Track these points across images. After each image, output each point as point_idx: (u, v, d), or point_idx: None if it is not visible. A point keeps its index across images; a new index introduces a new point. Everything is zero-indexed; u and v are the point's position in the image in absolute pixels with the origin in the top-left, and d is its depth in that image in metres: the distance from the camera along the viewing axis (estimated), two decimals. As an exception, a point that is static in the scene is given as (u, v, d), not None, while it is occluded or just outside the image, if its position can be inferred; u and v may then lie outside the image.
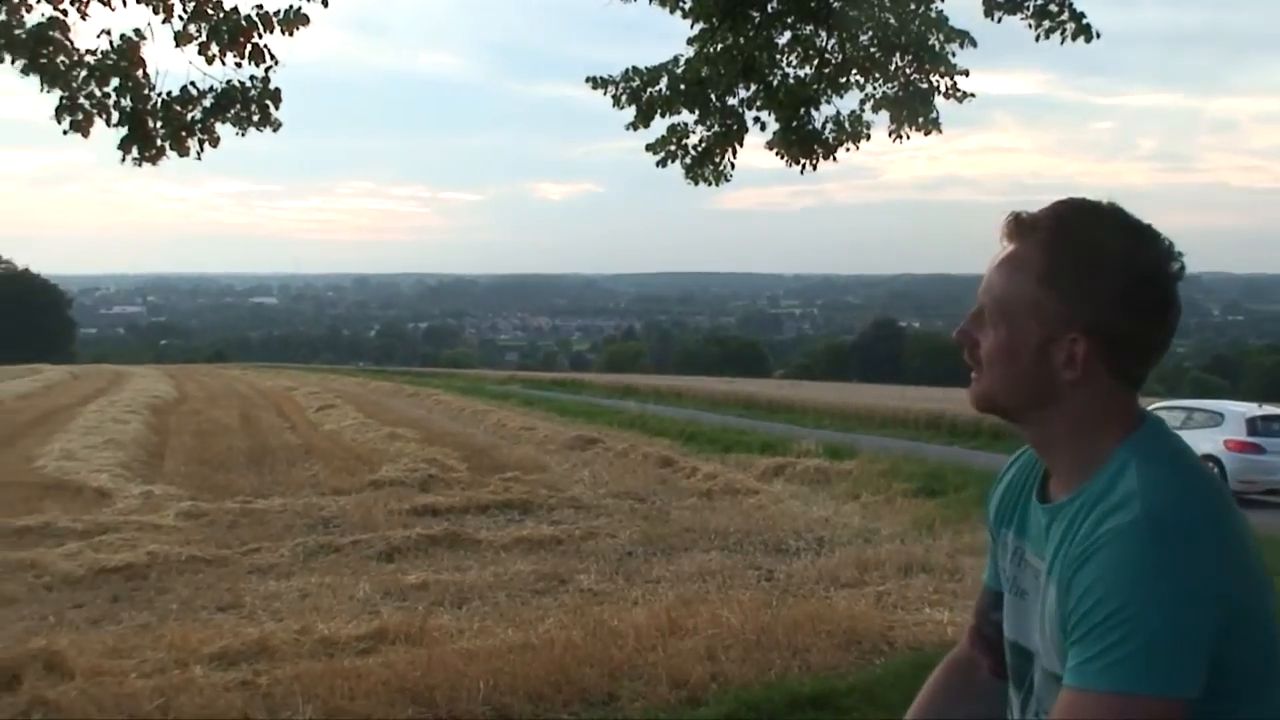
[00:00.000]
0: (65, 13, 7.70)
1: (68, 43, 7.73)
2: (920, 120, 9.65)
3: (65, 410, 28.73)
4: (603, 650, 6.84)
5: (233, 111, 7.82)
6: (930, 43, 9.43)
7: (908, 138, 9.69)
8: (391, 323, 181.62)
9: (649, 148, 9.91)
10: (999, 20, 9.04)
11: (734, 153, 9.95)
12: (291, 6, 7.79)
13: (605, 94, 9.81)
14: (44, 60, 7.65)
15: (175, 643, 7.18)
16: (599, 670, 6.52)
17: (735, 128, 9.80)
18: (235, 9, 7.80)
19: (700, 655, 6.79)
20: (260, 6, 7.83)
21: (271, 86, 7.85)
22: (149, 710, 5.90)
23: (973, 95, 9.55)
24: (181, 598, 9.10)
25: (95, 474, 15.92)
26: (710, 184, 9.87)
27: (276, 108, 7.90)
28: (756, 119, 9.77)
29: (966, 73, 9.55)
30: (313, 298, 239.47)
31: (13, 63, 7.62)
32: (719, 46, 9.56)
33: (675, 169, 9.92)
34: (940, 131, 9.75)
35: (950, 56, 9.49)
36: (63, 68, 7.73)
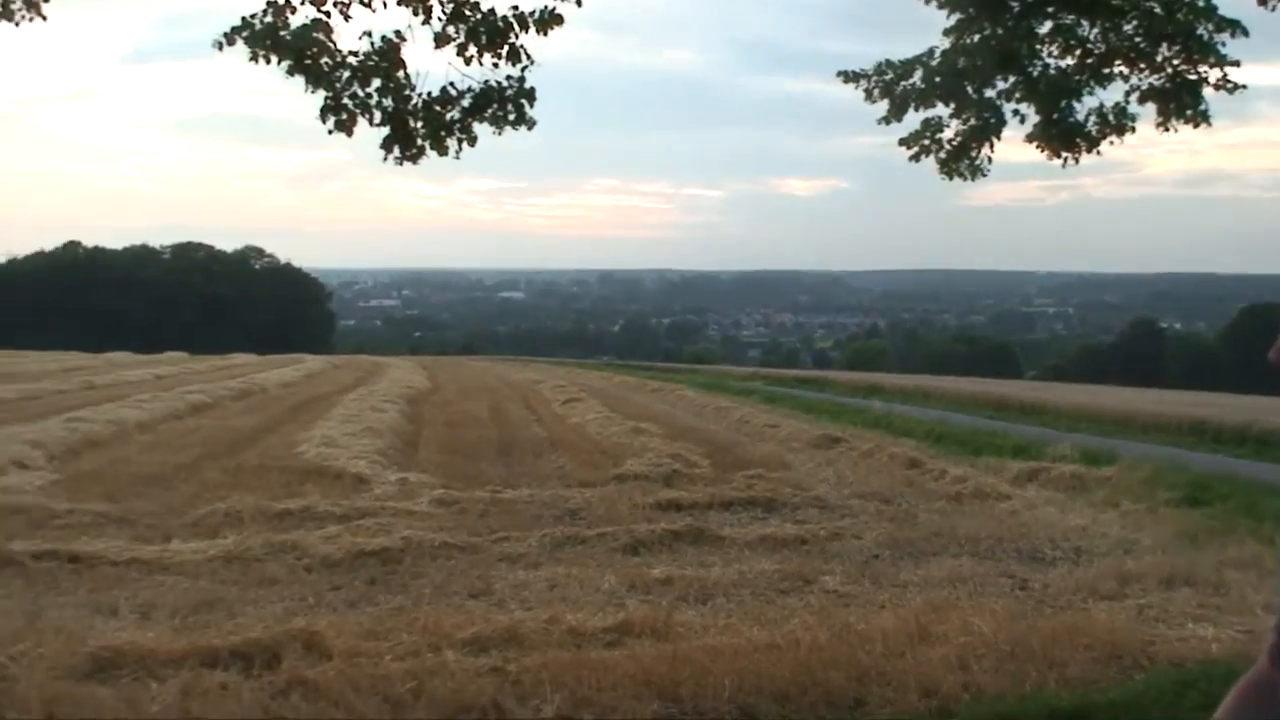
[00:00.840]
0: (328, 14, 8.01)
1: (331, 44, 8.04)
2: (1189, 113, 9.26)
3: (326, 398, 30.00)
4: (849, 654, 6.75)
5: (490, 111, 8.00)
6: (1198, 32, 9.03)
7: (1175, 130, 9.29)
8: (635, 318, 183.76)
9: (902, 142, 9.76)
10: (1274, 8, 8.60)
11: (991, 146, 9.72)
12: (546, 7, 7.94)
13: (857, 88, 9.70)
14: (308, 61, 7.97)
15: (428, 627, 7.36)
16: (846, 674, 6.44)
17: (993, 121, 9.57)
18: (492, 10, 7.99)
19: (951, 664, 6.63)
20: (516, 7, 8.00)
21: (527, 86, 8.02)
22: (402, 692, 6.08)
23: (1244, 87, 9.12)
24: (434, 583, 9.35)
25: (354, 460, 16.53)
26: (966, 179, 9.66)
27: (531, 106, 8.08)
28: (1015, 111, 9.52)
29: (1237, 63, 9.12)
30: (558, 293, 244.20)
31: (279, 64, 7.97)
32: (976, 37, 9.34)
33: (928, 164, 9.74)
34: (1209, 124, 9.34)
35: (1220, 47, 9.07)
36: (326, 69, 8.05)
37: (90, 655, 6.42)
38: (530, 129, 8.17)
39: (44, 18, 8.74)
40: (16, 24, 8.75)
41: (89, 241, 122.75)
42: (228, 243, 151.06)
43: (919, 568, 10.23)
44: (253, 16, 7.83)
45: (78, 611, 8.07)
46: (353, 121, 8.07)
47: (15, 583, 9.02)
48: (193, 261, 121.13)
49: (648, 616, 7.72)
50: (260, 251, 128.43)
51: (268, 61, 7.84)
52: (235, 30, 7.86)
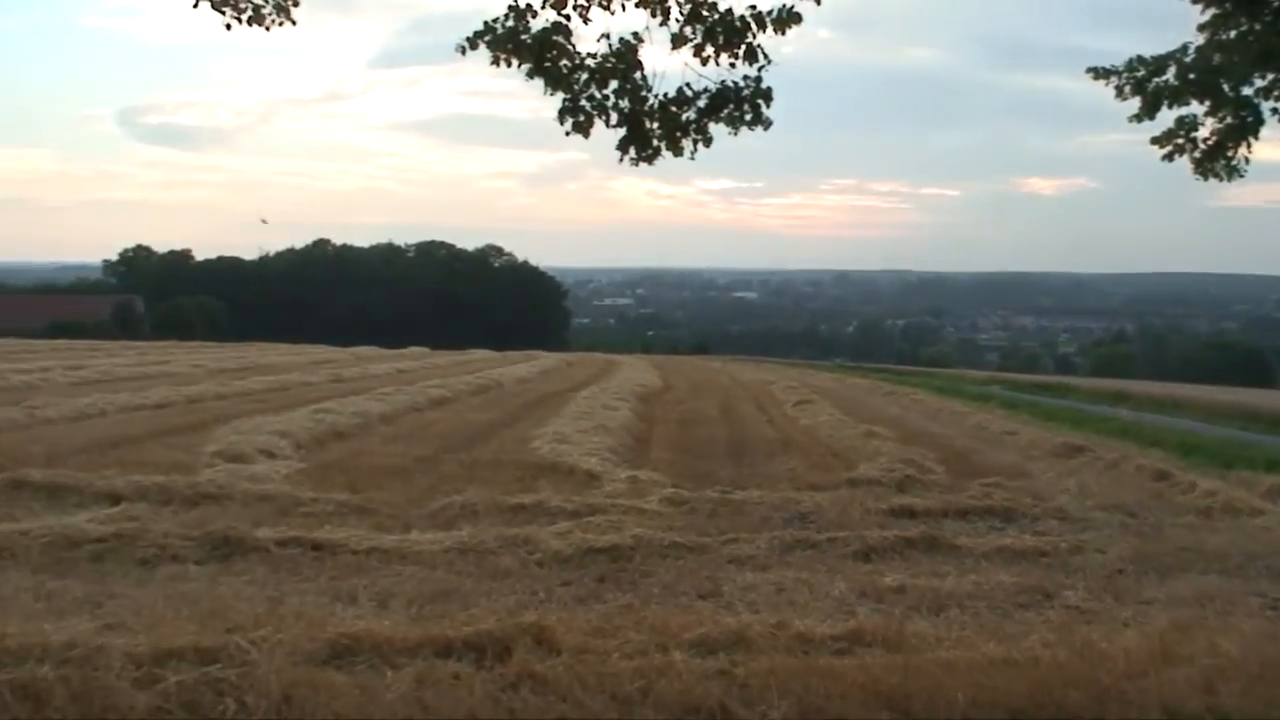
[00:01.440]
0: (568, 18, 8.13)
1: (570, 47, 8.16)
2: None
3: (559, 395, 30.52)
4: (1089, 672, 6.52)
5: (726, 111, 8.00)
6: None
7: None
8: (869, 319, 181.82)
9: (1154, 141, 9.40)
10: None
11: (1248, 146, 9.27)
12: (785, 6, 7.89)
13: (1107, 84, 9.39)
14: (548, 64, 8.10)
15: (656, 626, 7.39)
16: (1085, 693, 6.22)
17: (1251, 119, 9.13)
18: (730, 10, 7.99)
19: (1196, 686, 6.34)
20: (754, 7, 7.98)
21: (763, 86, 7.99)
22: (629, 691, 6.11)
23: None
24: (663, 582, 9.39)
25: (586, 457, 16.75)
26: (1222, 179, 9.24)
27: (768, 106, 8.04)
28: (1275, 110, 9.06)
29: None
30: (792, 293, 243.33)
31: (519, 67, 8.13)
32: (1233, 33, 8.92)
33: (1182, 164, 9.34)
34: None
35: None
36: (565, 71, 8.17)
37: (329, 641, 6.65)
38: (766, 129, 8.14)
39: (293, 22, 9.12)
40: (267, 28, 9.16)
41: (337, 239, 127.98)
42: (469, 241, 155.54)
43: (1164, 585, 9.82)
44: (495, 21, 8.00)
45: (318, 598, 8.37)
46: (590, 123, 8.18)
47: (259, 568, 9.41)
48: (435, 259, 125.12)
49: (879, 625, 7.59)
50: (499, 250, 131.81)
51: (509, 65, 8.00)
52: (478, 35, 8.05)
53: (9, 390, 26.23)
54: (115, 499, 12.07)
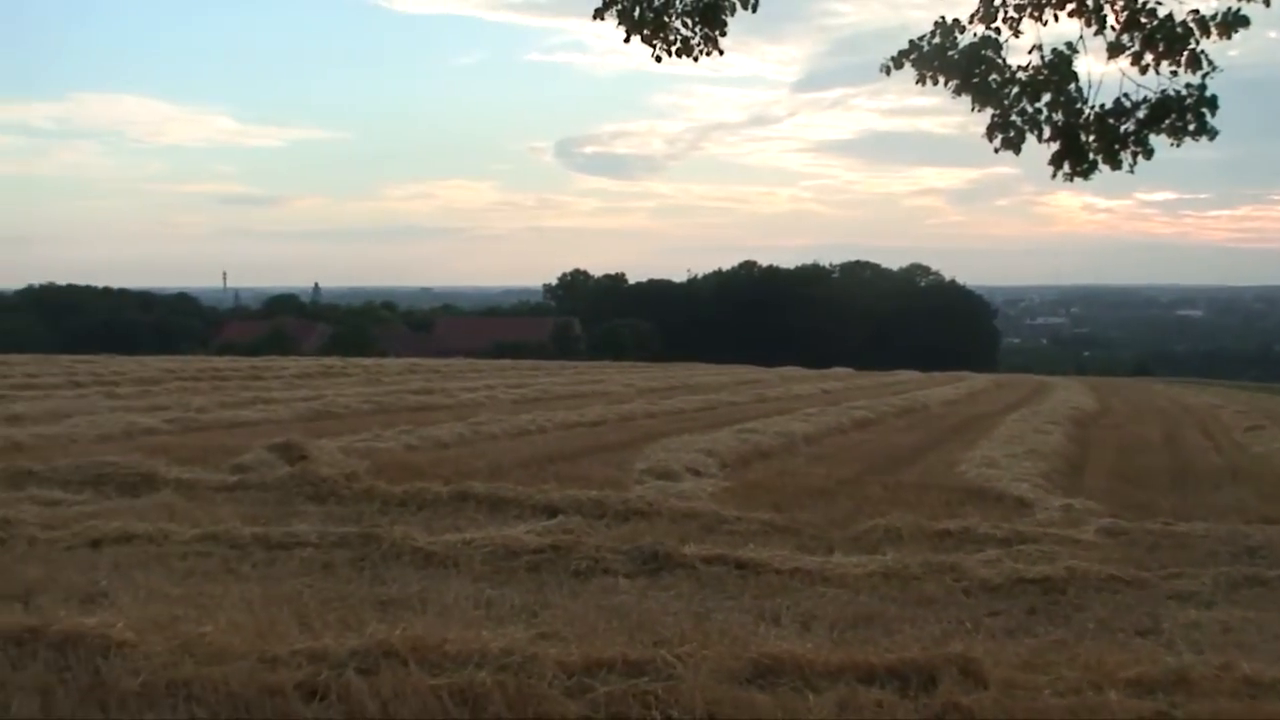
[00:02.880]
0: (998, 31, 7.98)
1: (999, 61, 8.00)
2: None
3: (987, 418, 29.86)
4: None
5: (1167, 122, 7.64)
6: None
7: None
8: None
9: None
10: None
11: None
12: (1230, 9, 7.48)
13: None
14: (976, 79, 7.98)
15: (1090, 663, 7.10)
16: None
17: None
18: (1170, 15, 7.63)
19: None
20: (1196, 11, 7.59)
21: (1208, 94, 7.58)
22: (1060, 729, 5.91)
23: None
24: (1098, 617, 9.01)
25: (1016, 483, 16.29)
26: None
27: (1212, 115, 7.62)
28: None
29: None
30: (1241, 310, 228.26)
31: (946, 84, 8.03)
32: None
33: None
34: None
35: None
36: (994, 86, 8.01)
37: (752, 661, 6.75)
38: (1211, 139, 7.70)
39: (720, 52, 9.36)
40: (695, 59, 9.44)
41: (763, 261, 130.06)
42: (894, 261, 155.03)
43: None
44: (921, 39, 7.96)
45: (742, 617, 8.52)
46: (1021, 138, 7.99)
47: (685, 584, 9.66)
48: (859, 279, 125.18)
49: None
50: (925, 269, 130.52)
51: (935, 82, 7.94)
52: (903, 53, 8.02)
53: (457, 407, 28.16)
54: (552, 512, 12.68)
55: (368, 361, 52.76)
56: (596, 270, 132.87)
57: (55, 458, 15.85)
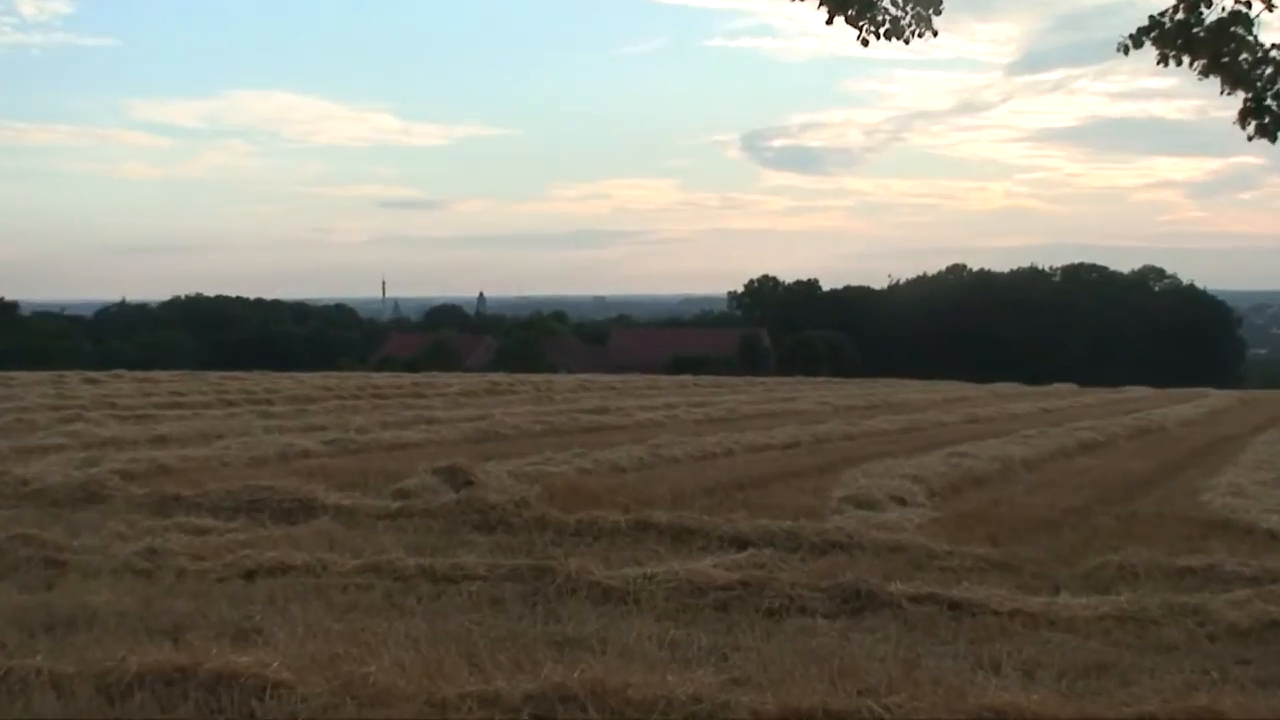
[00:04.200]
0: (1248, 5, 7.76)
1: (1251, 39, 7.77)
2: None
3: (1233, 440, 29.00)
4: None
5: None
6: None
7: None
8: None
9: None
10: None
11: None
12: None
13: None
14: (1225, 60, 7.76)
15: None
16: None
17: None
18: None
19: None
20: None
21: None
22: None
23: None
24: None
25: (1266, 514, 15.78)
26: None
27: None
28: None
29: None
30: None
31: (1191, 64, 7.84)
32: None
33: None
34: None
35: None
36: (1245, 66, 7.79)
37: (970, 714, 6.67)
38: None
39: (934, 32, 9.29)
40: (906, 41, 9.39)
41: (973, 264, 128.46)
42: (1123, 263, 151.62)
43: None
44: (1162, 14, 7.78)
45: (957, 664, 8.41)
46: (1277, 125, 7.75)
47: (891, 626, 9.56)
48: (1084, 284, 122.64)
49: None
50: (1160, 272, 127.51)
51: (1178, 63, 7.75)
52: (1143, 31, 7.85)
53: (634, 428, 28.36)
54: (741, 544, 12.71)
55: (537, 378, 53.56)
56: (787, 276, 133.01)
57: (205, 482, 16.42)
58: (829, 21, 9.35)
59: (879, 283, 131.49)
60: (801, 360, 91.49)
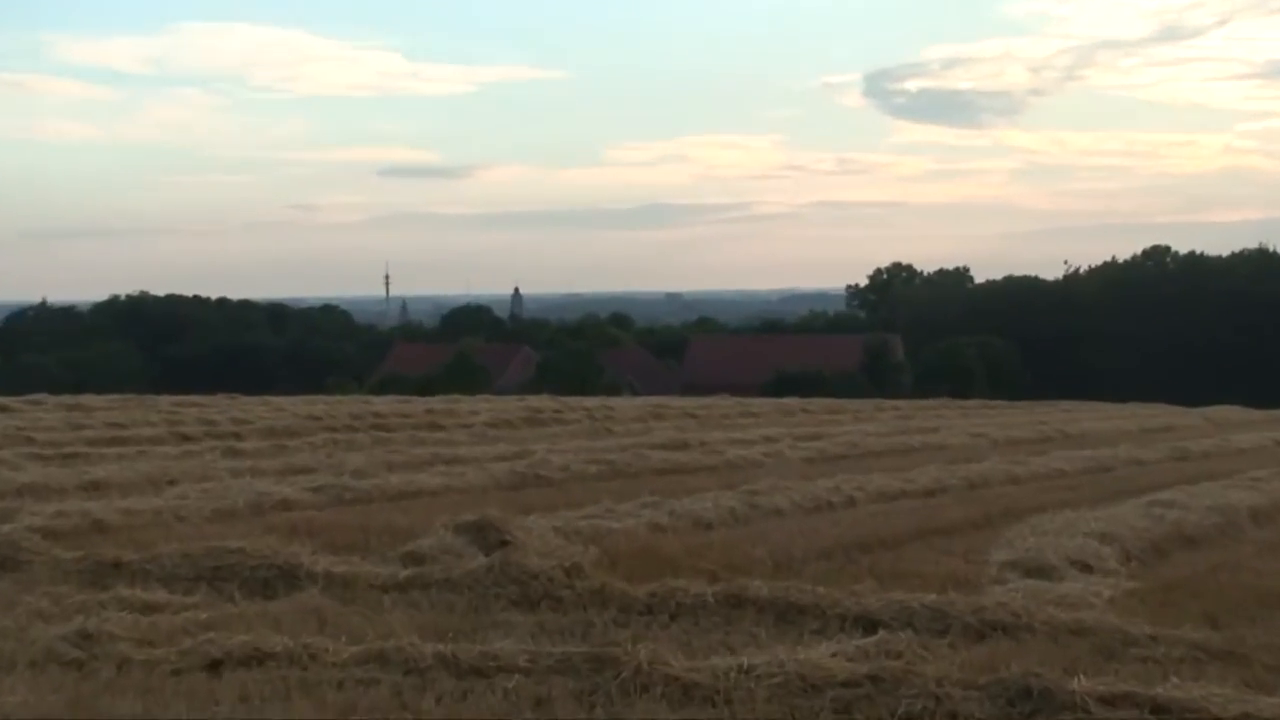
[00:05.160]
0: None
1: None
2: None
3: None
4: None
5: None
6: None
7: None
8: None
9: None
10: None
11: None
12: None
13: None
14: None
15: None
16: None
17: None
18: None
19: None
20: None
21: None
22: None
23: None
24: None
25: None
26: None
27: None
28: None
29: None
30: None
31: None
32: None
33: None
34: None
35: None
36: None
37: None
38: None
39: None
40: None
41: (1180, 246, 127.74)
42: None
43: None
44: None
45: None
46: None
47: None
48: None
49: None
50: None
51: None
52: None
53: (723, 470, 28.33)
54: (869, 625, 12.65)
55: (592, 403, 53.28)
56: (926, 264, 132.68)
57: (154, 543, 16.44)
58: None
59: (1052, 272, 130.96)
60: (948, 376, 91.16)
